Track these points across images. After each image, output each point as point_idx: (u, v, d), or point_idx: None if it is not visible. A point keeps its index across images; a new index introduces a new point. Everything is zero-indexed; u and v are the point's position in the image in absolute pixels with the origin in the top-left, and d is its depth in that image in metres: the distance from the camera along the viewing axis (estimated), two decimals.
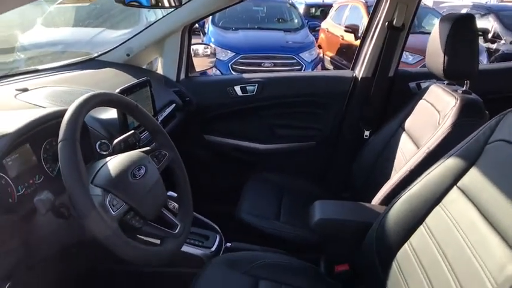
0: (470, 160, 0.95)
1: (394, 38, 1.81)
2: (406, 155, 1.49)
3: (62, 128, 0.80)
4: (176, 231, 0.96)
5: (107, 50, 1.97)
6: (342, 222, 1.26)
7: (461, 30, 1.32)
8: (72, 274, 1.18)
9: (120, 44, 1.95)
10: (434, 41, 1.42)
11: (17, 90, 1.31)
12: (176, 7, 1.22)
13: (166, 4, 1.22)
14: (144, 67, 2.03)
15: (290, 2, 6.94)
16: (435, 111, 1.43)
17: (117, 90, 1.18)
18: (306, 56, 5.40)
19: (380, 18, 1.82)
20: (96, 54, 2.00)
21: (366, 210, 1.29)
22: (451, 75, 1.38)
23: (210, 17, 6.30)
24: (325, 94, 2.00)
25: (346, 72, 2.06)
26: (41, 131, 0.96)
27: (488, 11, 6.29)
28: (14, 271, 0.83)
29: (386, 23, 1.79)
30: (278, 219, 1.58)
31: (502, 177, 0.84)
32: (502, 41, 5.83)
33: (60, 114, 1.00)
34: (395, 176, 1.37)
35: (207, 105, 2.01)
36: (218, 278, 1.17)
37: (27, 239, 0.85)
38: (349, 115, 1.99)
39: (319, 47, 7.41)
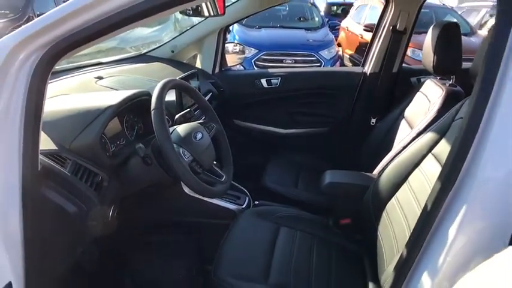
0: (442, 134, 1.27)
1: (398, 40, 2.13)
2: (402, 137, 1.81)
3: (153, 101, 1.17)
4: (223, 179, 1.33)
5: (154, 48, 2.36)
6: (346, 185, 1.60)
7: (447, 35, 1.64)
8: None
9: (166, 42, 2.33)
10: (427, 43, 1.74)
11: (95, 78, 1.71)
12: (219, 15, 1.58)
13: (213, 12, 1.59)
14: (184, 62, 2.41)
15: (311, 1, 7.21)
16: (427, 100, 1.75)
17: (179, 77, 1.56)
18: (325, 53, 5.69)
19: (386, 23, 2.15)
20: (145, 51, 2.39)
21: (366, 176, 1.63)
22: (440, 71, 1.69)
23: None
24: (338, 87, 2.34)
25: (356, 69, 2.39)
26: (126, 107, 1.34)
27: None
28: (115, 200, 1.22)
29: (391, 27, 2.11)
30: (296, 187, 1.93)
31: None
32: None
33: (141, 94, 1.39)
34: (392, 152, 1.70)
35: (238, 95, 2.37)
36: (248, 225, 1.52)
37: (122, 178, 1.24)
38: (358, 105, 2.32)
39: (339, 45, 7.65)
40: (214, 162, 1.36)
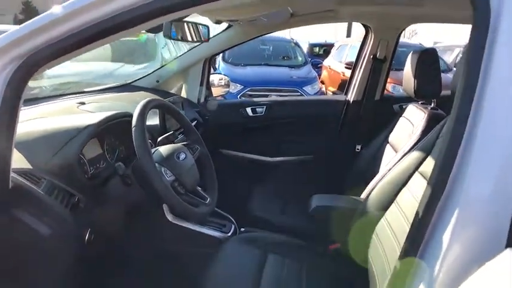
0: (427, 152, 1.27)
1: (378, 68, 2.19)
2: (389, 160, 1.81)
3: (134, 119, 1.14)
4: (207, 202, 1.29)
5: (140, 77, 2.37)
6: (334, 208, 1.56)
7: (426, 60, 1.69)
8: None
9: (152, 73, 2.34)
10: (407, 69, 1.79)
11: (77, 103, 1.68)
12: (203, 41, 1.60)
13: (196, 38, 1.61)
14: (170, 91, 2.41)
15: (294, 41, 7.47)
16: (410, 124, 1.77)
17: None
18: (309, 89, 5.82)
19: (366, 52, 2.21)
20: (130, 80, 2.39)
21: (354, 199, 1.60)
22: (421, 95, 1.73)
23: (221, 54, 6.82)
24: (322, 115, 2.36)
25: (340, 97, 2.43)
26: (105, 128, 1.31)
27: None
28: (92, 222, 1.16)
29: (372, 56, 2.18)
30: (283, 214, 1.89)
31: None
32: None
33: (122, 115, 1.36)
34: (379, 175, 1.68)
35: (223, 124, 2.37)
36: (234, 252, 1.46)
37: (100, 200, 1.18)
38: (343, 132, 2.33)
39: (322, 82, 7.87)
40: (199, 188, 1.32)
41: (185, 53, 2.29)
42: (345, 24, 13.49)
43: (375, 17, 2.04)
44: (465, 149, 0.73)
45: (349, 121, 2.32)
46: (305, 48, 11.29)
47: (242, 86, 5.80)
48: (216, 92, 2.54)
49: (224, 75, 6.01)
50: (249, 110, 2.39)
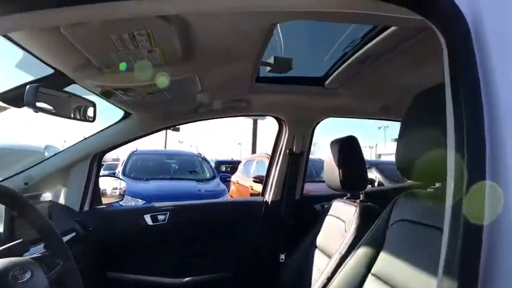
0: (377, 246, 1.00)
1: (296, 163, 2.01)
2: (322, 269, 1.49)
3: None
4: None
5: (2, 179, 1.82)
6: None
7: (348, 148, 1.54)
8: None
9: (19, 173, 1.82)
10: (329, 160, 1.61)
11: None
12: (88, 121, 1.24)
13: (79, 117, 1.24)
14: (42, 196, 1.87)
15: (202, 156, 7.38)
16: (340, 221, 1.52)
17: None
18: None
19: (282, 147, 2.04)
20: None
21: None
22: (348, 186, 1.53)
23: (121, 168, 6.33)
24: (238, 220, 2.01)
25: (256, 198, 2.15)
26: None
27: (370, 165, 7.37)
28: None
29: (287, 151, 2.00)
30: None
31: (408, 254, 0.88)
32: None
33: None
34: (317, 286, 1.33)
35: (113, 237, 1.85)
36: None
37: None
38: (262, 240, 1.99)
39: (231, 197, 7.71)
40: None
41: (65, 149, 1.86)
42: (250, 143, 14.22)
43: (289, 108, 1.93)
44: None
45: (269, 226, 2.00)
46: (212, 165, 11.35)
47: (144, 202, 5.25)
48: (107, 199, 2.07)
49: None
50: (147, 217, 1.94)
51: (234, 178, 8.47)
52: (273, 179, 2.06)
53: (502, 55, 0.54)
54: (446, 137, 0.74)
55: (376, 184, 7.10)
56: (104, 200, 2.05)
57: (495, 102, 0.52)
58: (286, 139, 2.02)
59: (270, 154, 2.15)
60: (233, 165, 11.49)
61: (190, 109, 1.71)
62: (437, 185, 0.93)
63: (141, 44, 0.86)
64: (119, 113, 1.83)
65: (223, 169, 12.30)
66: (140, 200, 5.31)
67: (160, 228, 1.94)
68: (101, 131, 1.86)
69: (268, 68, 1.45)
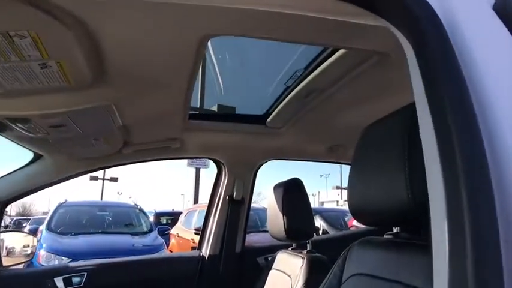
0: None
1: (236, 211, 1.81)
2: None
3: None
4: None
5: None
6: None
7: (293, 191, 1.39)
8: None
9: None
10: (272, 206, 1.45)
11: None
12: None
13: None
14: None
15: (139, 207, 6.90)
16: (286, 276, 1.34)
17: None
18: None
19: (221, 193, 1.85)
20: None
21: None
22: (293, 236, 1.37)
23: (46, 223, 5.70)
24: (170, 279, 1.74)
25: (192, 253, 1.90)
26: None
27: (315, 212, 7.37)
28: None
29: (227, 197, 1.81)
30: None
31: None
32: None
33: None
34: None
35: None
36: None
37: None
38: None
39: (171, 251, 7.21)
40: None
41: None
42: (192, 193, 13.67)
43: (228, 150, 1.76)
44: None
45: (207, 283, 1.74)
46: (150, 218, 10.74)
47: (69, 260, 4.66)
48: (12, 260, 1.71)
49: (46, 246, 4.96)
50: (58, 281, 1.59)
51: (174, 230, 7.97)
52: (211, 230, 1.84)
53: (483, 54, 0.43)
54: (406, 171, 0.61)
55: (320, 232, 7.05)
56: (8, 261, 1.68)
57: (488, 105, 0.39)
58: (225, 184, 1.83)
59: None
60: (174, 217, 10.89)
61: (113, 150, 1.48)
62: (395, 230, 0.79)
63: (26, 53, 0.66)
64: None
65: (164, 221, 11.63)
66: (65, 258, 4.73)
67: None
68: (4, 176, 1.55)
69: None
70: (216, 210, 1.86)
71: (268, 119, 1.51)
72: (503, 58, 0.46)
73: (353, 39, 0.85)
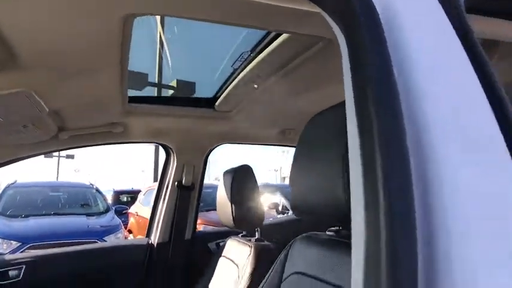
0: None
1: (186, 197, 1.75)
2: None
3: None
4: None
5: None
6: None
7: (241, 179, 1.35)
8: None
9: None
10: (221, 193, 1.41)
11: None
12: None
13: None
14: None
15: (94, 187, 6.67)
16: (234, 265, 1.31)
17: None
18: (112, 239, 4.93)
19: (169, 179, 1.78)
20: None
21: None
22: (241, 224, 1.33)
23: None
24: (117, 268, 1.67)
25: (140, 240, 1.83)
26: None
27: (276, 188, 7.44)
28: None
29: (176, 183, 1.75)
30: None
31: None
32: (290, 212, 6.77)
33: None
34: None
35: None
36: None
37: None
38: (150, 287, 1.67)
39: (130, 231, 7.09)
40: None
41: None
42: (152, 169, 13.41)
43: (175, 134, 1.68)
44: None
45: (155, 272, 1.69)
46: (109, 196, 10.48)
47: (19, 243, 4.45)
48: None
49: None
50: None
51: (133, 209, 7.79)
52: (160, 216, 1.77)
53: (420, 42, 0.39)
54: (343, 168, 0.58)
55: (280, 208, 7.16)
56: None
57: (418, 99, 0.36)
58: (174, 170, 1.75)
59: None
60: (134, 195, 10.67)
61: (48, 136, 1.36)
62: (337, 227, 0.77)
63: None
64: None
65: (125, 199, 11.37)
66: (14, 242, 4.51)
67: (12, 287, 1.50)
68: None
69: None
70: (164, 197, 1.79)
71: (217, 103, 1.44)
72: (440, 47, 0.43)
73: (295, 25, 0.79)
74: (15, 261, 1.55)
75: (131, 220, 7.57)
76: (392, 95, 0.36)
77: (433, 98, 0.39)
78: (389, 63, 0.37)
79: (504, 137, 0.38)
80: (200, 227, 5.19)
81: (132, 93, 1.33)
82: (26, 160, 1.59)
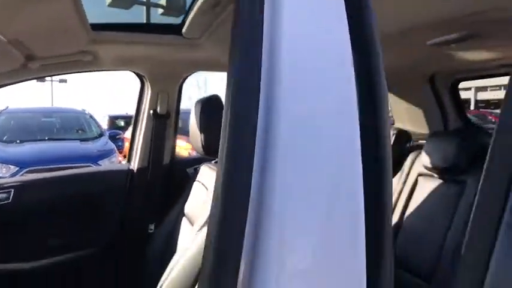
0: None
1: (162, 125, 1.80)
2: (186, 237, 1.37)
3: None
4: None
5: None
6: None
7: (209, 108, 1.38)
8: None
9: None
10: (192, 121, 1.44)
11: None
12: None
13: None
14: None
15: (87, 112, 6.69)
16: (204, 188, 1.40)
17: None
18: (106, 163, 5.10)
19: (145, 107, 1.80)
20: None
21: None
22: (210, 151, 1.39)
23: None
24: (100, 192, 1.77)
25: (121, 166, 1.92)
26: None
27: None
28: None
29: (152, 112, 1.78)
30: None
31: None
32: None
33: None
34: (175, 257, 1.21)
35: None
36: None
37: None
38: (130, 212, 1.79)
39: (125, 156, 7.28)
40: None
41: None
42: None
43: (146, 62, 1.67)
44: None
45: (137, 196, 1.80)
46: (105, 121, 10.56)
47: (17, 168, 4.62)
48: None
49: None
50: None
51: (128, 134, 7.91)
52: (138, 143, 1.84)
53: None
54: None
55: None
56: None
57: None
58: (149, 98, 1.77)
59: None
60: (129, 120, 10.76)
61: (15, 65, 1.36)
62: None
63: None
64: None
65: (121, 124, 11.47)
66: (12, 167, 4.67)
67: (2, 209, 1.61)
68: None
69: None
70: (141, 125, 1.83)
71: (184, 29, 1.41)
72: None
73: None
74: (4, 186, 1.65)
75: (126, 145, 7.72)
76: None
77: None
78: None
79: None
80: (193, 152, 5.32)
81: (95, 19, 1.30)
82: (18, 86, 1.60)
